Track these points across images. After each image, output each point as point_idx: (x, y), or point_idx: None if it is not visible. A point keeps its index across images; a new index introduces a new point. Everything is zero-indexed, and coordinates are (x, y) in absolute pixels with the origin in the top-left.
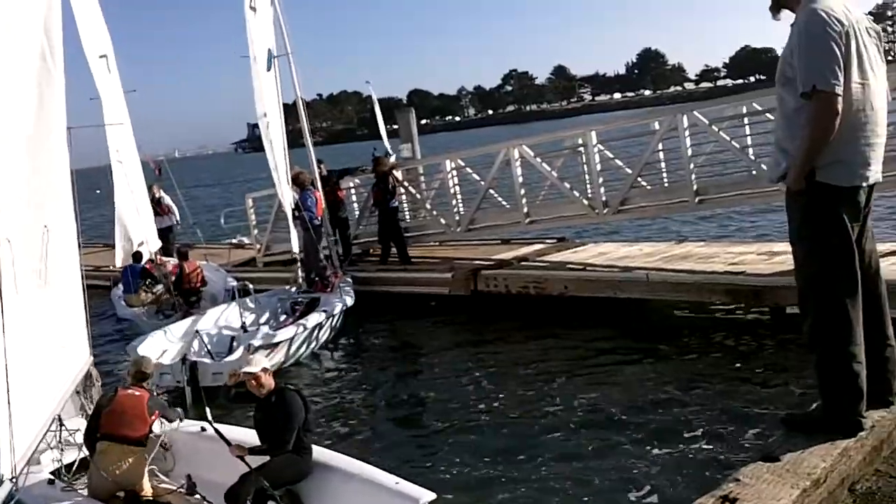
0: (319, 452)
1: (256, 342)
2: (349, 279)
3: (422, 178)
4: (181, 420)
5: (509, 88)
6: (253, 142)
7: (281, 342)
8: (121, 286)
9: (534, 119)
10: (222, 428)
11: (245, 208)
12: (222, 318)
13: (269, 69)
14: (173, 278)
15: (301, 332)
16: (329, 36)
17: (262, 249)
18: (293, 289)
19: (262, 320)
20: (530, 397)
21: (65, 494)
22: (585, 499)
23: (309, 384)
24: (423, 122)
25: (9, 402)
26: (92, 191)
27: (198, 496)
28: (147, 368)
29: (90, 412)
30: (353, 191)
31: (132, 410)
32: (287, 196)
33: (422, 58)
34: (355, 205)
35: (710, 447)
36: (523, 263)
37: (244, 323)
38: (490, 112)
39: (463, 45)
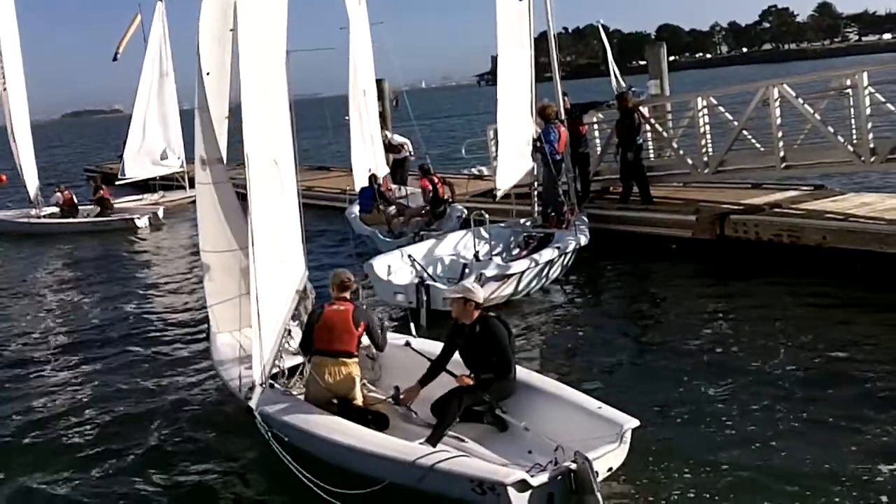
0: (524, 373)
1: (488, 272)
2: (585, 217)
3: (669, 116)
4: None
5: (767, 25)
6: (496, 74)
7: (512, 275)
8: (355, 206)
9: (792, 59)
10: (424, 342)
11: (486, 139)
12: (457, 244)
13: None
14: (431, 193)
15: (532, 267)
16: None
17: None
18: (528, 222)
19: (496, 251)
20: (770, 351)
21: (285, 398)
22: (807, 466)
23: (536, 315)
24: (672, 58)
25: (259, 316)
26: (340, 117)
27: (406, 406)
28: (343, 278)
29: (303, 322)
30: (595, 126)
31: (340, 325)
32: (530, 130)
33: None
34: (597, 140)
35: None
36: (776, 210)
37: (477, 252)
38: (744, 50)
39: None
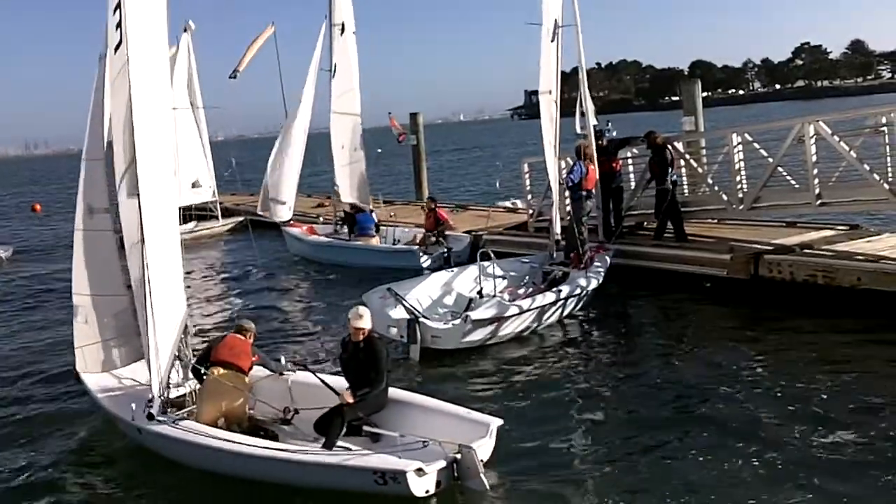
0: (397, 392)
1: (476, 315)
2: (608, 257)
3: (703, 152)
4: (283, 372)
5: (800, 62)
6: (529, 108)
7: (506, 318)
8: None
9: (825, 96)
10: (302, 373)
11: (520, 172)
12: (466, 279)
13: (552, 39)
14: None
15: (527, 314)
16: (612, 4)
17: (534, 214)
18: (548, 258)
19: (506, 287)
20: (804, 396)
21: (178, 423)
22: None
23: (551, 349)
24: (705, 94)
25: (155, 334)
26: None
27: (292, 426)
28: (246, 326)
29: (182, 357)
30: (630, 162)
31: (240, 346)
32: (553, 168)
33: (708, 27)
34: (632, 175)
35: None
36: (807, 251)
37: (481, 289)
38: (777, 87)
39: (752, 15)
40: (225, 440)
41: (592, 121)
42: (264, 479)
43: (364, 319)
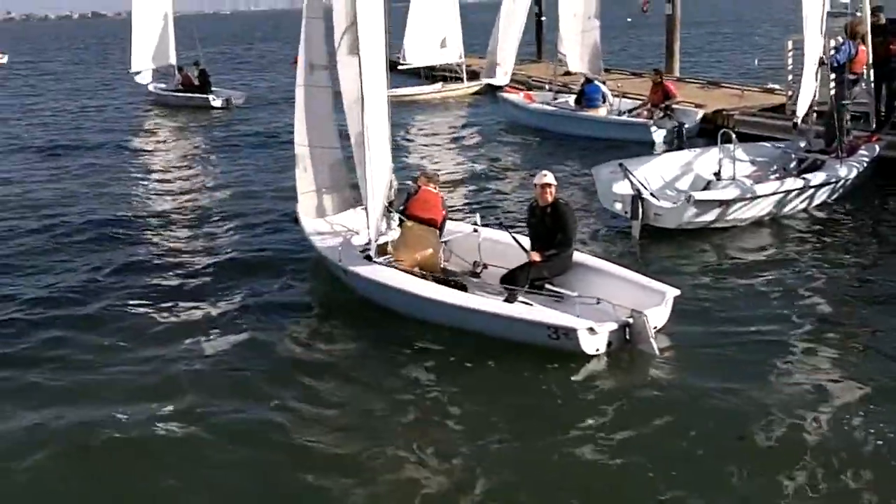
0: (581, 256)
1: (700, 196)
2: (876, 147)
3: None
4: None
5: None
6: None
7: (735, 202)
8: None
9: None
10: (488, 230)
11: (783, 51)
12: (700, 161)
13: None
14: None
15: (762, 200)
16: None
17: (793, 97)
18: (802, 144)
19: (748, 172)
20: None
21: (387, 268)
22: None
23: (778, 235)
24: None
25: (374, 197)
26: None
27: (480, 279)
28: (431, 175)
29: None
30: None
31: (432, 201)
32: (812, 46)
33: None
34: None
35: None
36: None
37: (720, 171)
38: None
39: None
40: (419, 286)
41: None
42: (451, 324)
43: (549, 177)
